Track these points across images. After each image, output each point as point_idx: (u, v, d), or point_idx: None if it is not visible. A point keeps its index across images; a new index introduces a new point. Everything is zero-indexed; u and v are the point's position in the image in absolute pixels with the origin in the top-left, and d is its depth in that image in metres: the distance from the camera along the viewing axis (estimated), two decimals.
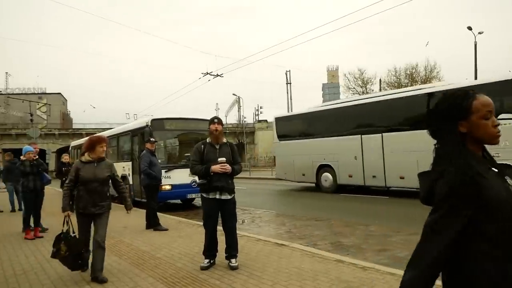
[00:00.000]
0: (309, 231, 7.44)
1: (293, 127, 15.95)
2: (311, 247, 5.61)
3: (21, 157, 7.20)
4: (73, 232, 4.25)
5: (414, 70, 41.86)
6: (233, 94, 58.33)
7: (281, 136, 16.34)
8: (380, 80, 43.17)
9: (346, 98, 25.88)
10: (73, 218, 4.31)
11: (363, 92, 46.45)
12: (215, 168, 4.43)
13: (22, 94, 63.59)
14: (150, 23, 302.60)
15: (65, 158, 11.58)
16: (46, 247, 6.07)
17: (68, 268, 4.25)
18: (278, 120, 16.77)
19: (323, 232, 7.30)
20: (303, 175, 15.27)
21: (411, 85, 41.34)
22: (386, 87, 43.12)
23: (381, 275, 4.09)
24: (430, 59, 44.55)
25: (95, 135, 4.73)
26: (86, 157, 4.38)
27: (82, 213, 4.18)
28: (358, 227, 7.56)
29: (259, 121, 56.53)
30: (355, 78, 46.31)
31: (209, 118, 12.61)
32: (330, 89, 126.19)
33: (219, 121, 4.67)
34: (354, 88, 46.71)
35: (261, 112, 58.00)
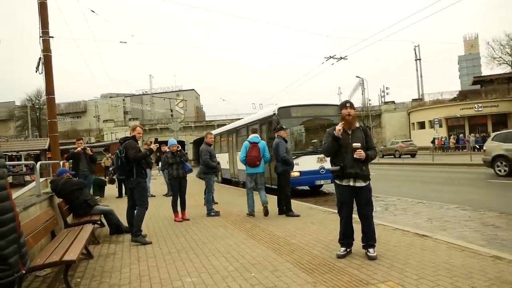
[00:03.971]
0: (453, 221, 6.70)
1: None
2: (459, 240, 5.02)
3: (166, 149, 8.13)
4: None
5: None
6: (357, 77, 56.13)
7: None
8: None
9: None
10: None
11: None
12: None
13: (163, 93, 72.05)
14: (271, 14, 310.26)
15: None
16: (192, 229, 6.75)
17: None
18: None
19: (471, 223, 6.49)
20: None
21: None
22: None
23: None
24: None
25: None
26: None
27: None
28: None
29: (386, 102, 53.40)
30: (501, 45, 39.80)
31: (335, 103, 12.44)
32: (468, 61, 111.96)
33: (352, 105, 4.45)
34: (500, 57, 40.28)
35: (387, 93, 54.71)
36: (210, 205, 8.13)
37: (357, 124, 4.52)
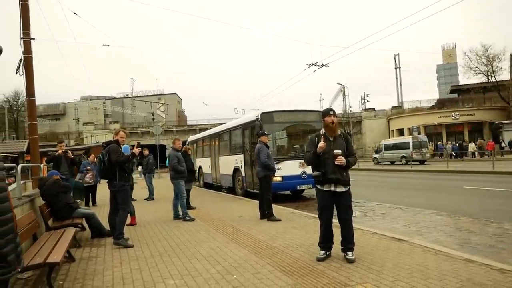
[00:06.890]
0: (429, 226, 6.93)
1: None
2: (434, 244, 5.22)
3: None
4: None
5: None
6: (338, 84, 56.99)
7: None
8: (511, 55, 37.73)
9: None
10: None
11: (488, 72, 41.08)
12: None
13: (144, 96, 71.42)
14: (253, 20, 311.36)
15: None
16: (174, 233, 6.77)
17: None
18: None
19: (446, 228, 6.73)
20: None
21: None
22: None
23: None
24: None
25: None
26: None
27: None
28: (490, 224, 6.81)
29: (366, 109, 54.30)
30: (477, 56, 40.97)
31: (316, 109, 12.66)
32: (446, 70, 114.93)
33: (334, 113, 4.60)
34: (476, 67, 41.50)
35: (367, 101, 55.58)
36: (184, 209, 8.20)
37: (339, 131, 4.67)
